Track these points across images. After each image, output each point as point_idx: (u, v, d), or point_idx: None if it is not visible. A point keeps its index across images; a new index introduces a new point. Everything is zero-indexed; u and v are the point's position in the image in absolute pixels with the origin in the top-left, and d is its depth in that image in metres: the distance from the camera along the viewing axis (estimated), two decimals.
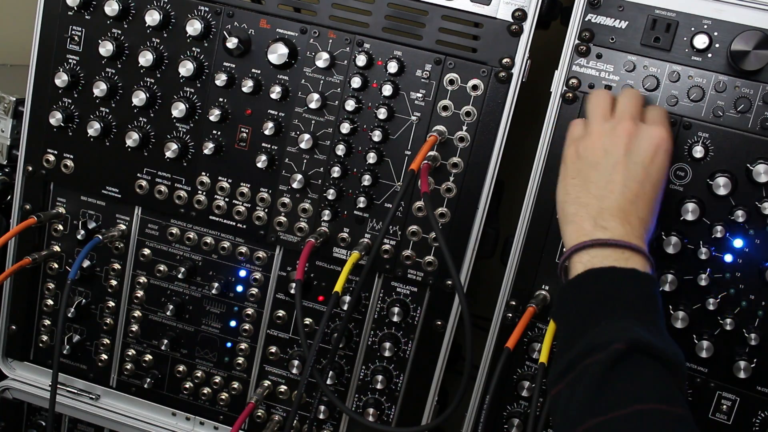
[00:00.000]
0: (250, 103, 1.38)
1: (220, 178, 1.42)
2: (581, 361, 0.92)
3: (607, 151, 1.07)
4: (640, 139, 1.07)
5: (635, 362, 0.90)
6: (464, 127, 1.31)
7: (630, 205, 1.04)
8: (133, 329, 1.55)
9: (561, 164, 1.14)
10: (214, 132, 1.41)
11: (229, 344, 1.52)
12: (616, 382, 0.88)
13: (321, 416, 1.49)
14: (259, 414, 1.53)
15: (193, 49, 1.38)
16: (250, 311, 1.49)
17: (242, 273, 1.48)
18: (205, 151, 1.39)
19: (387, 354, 1.42)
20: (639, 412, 0.86)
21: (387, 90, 1.31)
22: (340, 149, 1.34)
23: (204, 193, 1.43)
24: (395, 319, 1.39)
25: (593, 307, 0.98)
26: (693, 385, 1.28)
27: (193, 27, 1.35)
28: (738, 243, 1.21)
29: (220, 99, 1.39)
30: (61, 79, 1.40)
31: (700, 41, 1.19)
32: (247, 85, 1.35)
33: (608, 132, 1.09)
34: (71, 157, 1.47)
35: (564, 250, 1.07)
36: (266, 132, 1.36)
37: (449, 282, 1.37)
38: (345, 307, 1.40)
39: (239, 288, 1.49)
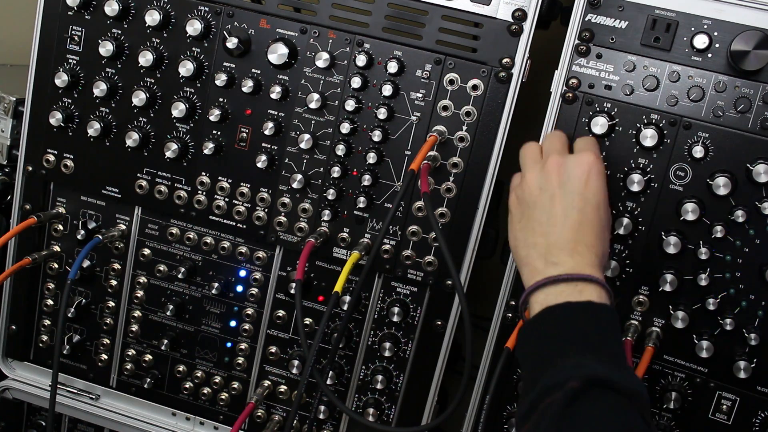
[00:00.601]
0: (250, 103, 1.38)
1: (220, 178, 1.42)
2: (541, 401, 0.92)
3: (542, 189, 1.10)
4: (569, 168, 1.09)
5: (592, 398, 0.90)
6: (464, 127, 1.31)
7: (575, 234, 1.05)
8: (133, 329, 1.55)
9: (509, 213, 1.17)
10: (214, 132, 1.41)
11: (229, 344, 1.52)
12: (575, 420, 0.89)
13: (321, 416, 1.49)
14: (259, 414, 1.53)
15: (193, 49, 1.38)
16: (250, 311, 1.49)
17: (242, 273, 1.48)
18: (205, 151, 1.39)
19: (387, 354, 1.42)
20: None
21: (387, 90, 1.31)
22: (340, 149, 1.34)
23: (204, 193, 1.43)
24: (395, 319, 1.39)
25: (550, 345, 0.99)
26: (693, 385, 1.29)
27: (193, 27, 1.35)
28: (738, 243, 1.21)
29: (220, 99, 1.39)
30: (61, 79, 1.40)
31: (700, 41, 1.19)
32: (247, 85, 1.35)
33: (539, 171, 1.12)
34: (71, 157, 1.47)
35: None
36: (266, 132, 1.36)
37: (449, 282, 1.37)
38: (345, 307, 1.40)
39: (239, 288, 1.49)
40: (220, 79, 1.35)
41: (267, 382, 1.52)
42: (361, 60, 1.31)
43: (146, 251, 1.51)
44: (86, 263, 1.52)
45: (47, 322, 1.58)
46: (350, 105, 1.32)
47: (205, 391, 1.54)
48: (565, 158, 1.11)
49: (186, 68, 1.36)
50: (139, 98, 1.39)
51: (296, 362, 1.46)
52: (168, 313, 1.49)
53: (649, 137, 1.21)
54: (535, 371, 0.98)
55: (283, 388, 1.51)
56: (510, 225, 1.16)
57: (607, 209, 1.11)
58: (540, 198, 1.10)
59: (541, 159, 1.15)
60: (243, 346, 1.51)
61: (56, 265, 1.55)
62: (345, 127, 1.34)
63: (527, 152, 1.17)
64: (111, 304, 1.55)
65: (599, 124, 1.23)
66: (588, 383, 0.90)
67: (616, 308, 1.03)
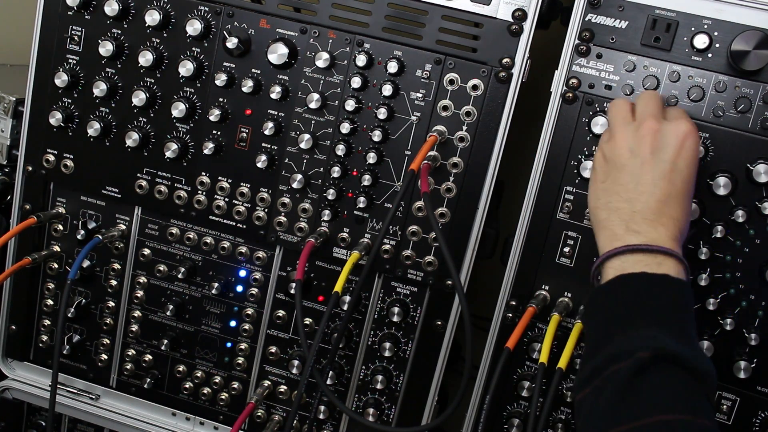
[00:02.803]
0: (250, 103, 1.38)
1: (220, 178, 1.42)
2: (606, 368, 0.91)
3: (632, 152, 1.06)
4: (664, 135, 1.05)
5: (660, 371, 0.88)
6: (464, 127, 1.31)
7: (662, 205, 1.02)
8: (133, 329, 1.55)
9: (591, 170, 1.14)
10: (214, 132, 1.40)
11: (229, 344, 1.52)
12: (640, 391, 0.87)
13: (321, 416, 1.49)
14: (259, 414, 1.53)
15: (193, 49, 1.38)
16: (250, 311, 1.49)
17: (242, 273, 1.48)
18: (205, 151, 1.39)
19: (387, 354, 1.42)
20: (662, 422, 0.85)
21: (387, 90, 1.31)
22: (340, 149, 1.34)
23: (204, 193, 1.43)
24: (395, 319, 1.39)
25: (621, 313, 0.97)
26: None
27: (193, 27, 1.35)
28: (738, 243, 1.21)
29: (220, 99, 1.39)
30: (61, 79, 1.40)
31: (700, 41, 1.19)
32: (247, 85, 1.35)
33: (632, 133, 1.07)
34: (71, 157, 1.47)
35: (598, 255, 1.06)
36: (266, 132, 1.36)
37: (449, 282, 1.37)
38: (345, 307, 1.40)
39: (239, 288, 1.49)
40: (220, 79, 1.35)
41: (267, 382, 1.52)
42: (361, 60, 1.31)
43: (146, 251, 1.51)
44: (86, 263, 1.52)
45: (47, 322, 1.58)
46: (350, 105, 1.32)
47: (205, 391, 1.54)
48: (661, 124, 1.06)
49: (186, 68, 1.36)
50: (139, 98, 1.39)
51: (296, 362, 1.46)
52: (168, 313, 1.49)
53: None
54: (601, 337, 0.96)
55: (283, 388, 1.51)
56: (592, 183, 1.12)
57: (695, 184, 1.07)
58: (630, 161, 1.05)
59: (632, 119, 1.10)
60: (243, 346, 1.51)
61: (56, 265, 1.55)
62: (345, 127, 1.34)
63: (617, 110, 1.12)
64: (111, 304, 1.55)
65: (599, 124, 1.23)
66: (658, 356, 0.88)
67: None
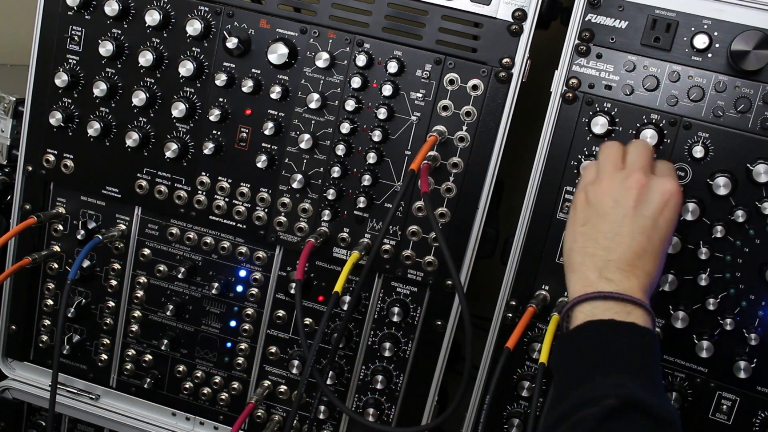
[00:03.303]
0: (250, 103, 1.38)
1: (220, 178, 1.42)
2: (574, 413, 0.91)
3: (617, 202, 1.06)
4: (650, 191, 1.06)
5: (627, 419, 0.89)
6: (464, 127, 1.31)
7: (637, 258, 1.03)
8: (133, 329, 1.55)
9: (571, 208, 1.14)
10: (214, 132, 1.41)
11: (229, 344, 1.52)
12: None
13: (321, 416, 1.49)
14: (259, 414, 1.53)
15: (193, 49, 1.38)
16: (250, 311, 1.49)
17: (242, 273, 1.48)
18: (205, 151, 1.39)
19: (387, 354, 1.42)
20: None
21: (387, 90, 1.31)
22: (340, 149, 1.34)
23: (204, 193, 1.43)
24: (395, 319, 1.39)
25: (590, 359, 0.98)
26: (693, 385, 1.29)
27: (193, 27, 1.35)
28: (738, 243, 1.21)
29: (220, 99, 1.39)
30: (61, 79, 1.40)
31: (700, 41, 1.19)
32: (247, 85, 1.35)
33: (619, 182, 1.08)
34: (71, 157, 1.47)
35: (567, 298, 1.07)
36: (266, 132, 1.36)
37: (449, 282, 1.37)
38: (345, 307, 1.40)
39: (239, 288, 1.49)
40: (220, 79, 1.35)
41: (267, 382, 1.52)
42: (361, 60, 1.31)
43: (146, 251, 1.51)
44: (86, 263, 1.52)
45: (47, 322, 1.58)
46: (350, 105, 1.32)
47: (205, 391, 1.54)
48: (649, 180, 1.07)
49: (186, 68, 1.36)
50: (139, 98, 1.39)
51: (296, 362, 1.46)
52: (168, 313, 1.49)
53: (649, 137, 1.21)
54: (570, 382, 0.97)
55: (283, 388, 1.51)
56: (570, 224, 1.12)
57: (669, 243, 1.08)
58: (613, 211, 1.06)
59: (622, 166, 1.10)
60: (243, 346, 1.51)
61: (56, 265, 1.55)
62: (345, 127, 1.34)
63: (608, 155, 1.13)
64: (111, 304, 1.55)
65: (599, 124, 1.23)
66: (626, 404, 0.89)
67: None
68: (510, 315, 1.33)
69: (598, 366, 0.96)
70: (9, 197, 1.60)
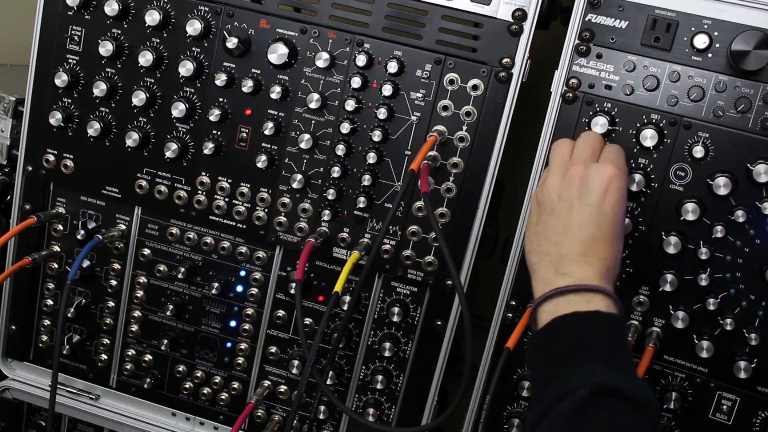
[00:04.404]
0: (250, 103, 1.38)
1: (220, 178, 1.42)
2: (551, 409, 0.92)
3: (560, 197, 1.10)
4: (590, 180, 1.08)
5: (601, 406, 0.90)
6: (464, 127, 1.31)
7: (588, 247, 1.05)
8: (133, 329, 1.55)
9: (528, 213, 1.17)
10: (214, 132, 1.40)
11: (229, 344, 1.52)
12: (585, 428, 0.89)
13: (321, 416, 1.49)
14: (259, 414, 1.53)
15: (193, 49, 1.38)
16: (250, 311, 1.49)
17: (242, 273, 1.48)
18: (205, 151, 1.39)
19: (387, 354, 1.42)
20: None
21: (387, 90, 1.31)
22: (340, 149, 1.34)
23: (204, 193, 1.43)
24: (395, 319, 1.39)
25: (560, 354, 0.99)
26: (693, 385, 1.29)
27: (193, 27, 1.35)
28: (738, 243, 1.21)
29: (220, 99, 1.39)
30: (61, 79, 1.40)
31: (701, 41, 1.19)
32: (247, 85, 1.35)
33: (560, 177, 1.11)
34: (71, 157, 1.47)
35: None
36: (266, 132, 1.36)
37: (449, 282, 1.37)
38: (345, 307, 1.40)
39: (239, 288, 1.49)
40: (220, 79, 1.35)
41: (267, 382, 1.52)
42: (361, 60, 1.31)
43: (146, 251, 1.51)
44: (86, 263, 1.52)
45: (47, 322, 1.58)
46: (350, 105, 1.32)
47: (205, 391, 1.54)
48: (588, 169, 1.09)
49: (186, 68, 1.36)
50: (139, 98, 1.39)
51: (296, 362, 1.46)
52: (168, 313, 1.49)
53: (649, 137, 1.21)
54: (545, 380, 0.98)
55: (283, 388, 1.51)
56: (527, 226, 1.15)
57: (624, 224, 1.10)
58: (558, 206, 1.09)
59: (568, 162, 1.13)
60: (243, 346, 1.51)
61: (56, 265, 1.55)
62: (345, 127, 1.34)
63: (557, 152, 1.16)
64: (111, 304, 1.55)
65: (599, 124, 1.23)
66: (597, 391, 0.90)
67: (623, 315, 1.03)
68: (510, 315, 1.33)
69: (567, 359, 0.97)
70: (9, 197, 1.60)
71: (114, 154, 1.45)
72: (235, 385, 1.53)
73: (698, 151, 1.20)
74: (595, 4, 1.23)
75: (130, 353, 1.56)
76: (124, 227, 1.50)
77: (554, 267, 1.06)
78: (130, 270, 1.53)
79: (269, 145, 1.39)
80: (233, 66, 1.37)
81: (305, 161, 1.38)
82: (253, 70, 1.37)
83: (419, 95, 1.32)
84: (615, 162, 1.11)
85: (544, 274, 1.07)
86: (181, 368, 1.55)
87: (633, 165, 1.24)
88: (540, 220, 1.12)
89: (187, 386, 1.55)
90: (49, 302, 1.57)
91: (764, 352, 1.23)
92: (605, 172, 1.08)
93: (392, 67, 1.30)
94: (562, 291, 1.02)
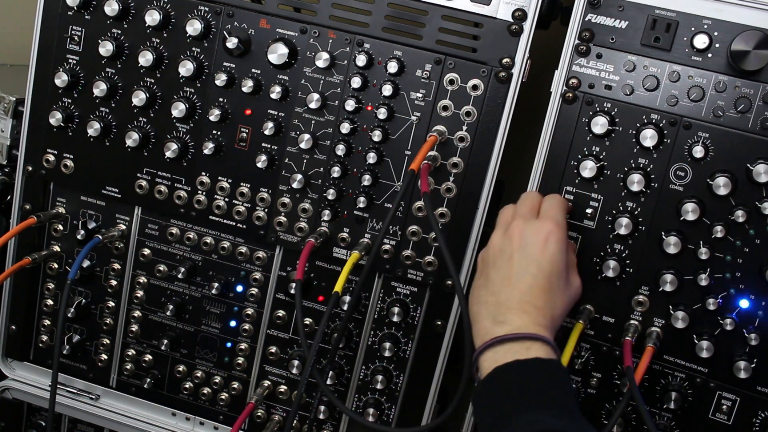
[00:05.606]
0: (250, 103, 1.38)
1: (220, 178, 1.42)
2: None
3: (502, 250, 1.13)
4: (529, 234, 1.12)
5: None
6: (464, 127, 1.31)
7: (524, 295, 1.07)
8: (133, 329, 1.55)
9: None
10: (214, 132, 1.41)
11: (229, 344, 1.52)
12: None
13: (321, 416, 1.49)
14: (259, 414, 1.53)
15: (193, 49, 1.38)
16: (250, 311, 1.49)
17: (242, 273, 1.48)
18: (205, 151, 1.39)
19: (387, 354, 1.42)
20: None
21: (387, 90, 1.31)
22: (340, 149, 1.34)
23: (204, 193, 1.43)
24: (395, 319, 1.39)
25: (504, 403, 1.00)
26: (693, 385, 1.29)
27: (193, 27, 1.35)
28: (738, 243, 1.21)
29: (220, 99, 1.39)
30: (61, 79, 1.40)
31: (700, 41, 1.19)
32: (247, 85, 1.35)
33: (502, 234, 1.15)
34: (71, 157, 1.47)
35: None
36: (266, 132, 1.36)
37: (449, 282, 1.37)
38: (345, 307, 1.40)
39: (239, 288, 1.49)
40: (220, 79, 1.35)
41: (267, 382, 1.52)
42: (361, 60, 1.31)
43: (146, 251, 1.51)
44: (86, 263, 1.52)
45: (47, 322, 1.58)
46: (350, 105, 1.32)
47: (205, 391, 1.54)
48: (527, 224, 1.13)
49: (186, 68, 1.36)
50: (139, 98, 1.39)
51: (296, 362, 1.46)
52: (168, 313, 1.49)
53: (649, 137, 1.21)
54: (492, 430, 0.99)
55: (283, 388, 1.51)
56: (473, 283, 1.18)
57: (564, 276, 1.12)
58: (499, 258, 1.13)
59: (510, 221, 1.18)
60: (243, 346, 1.51)
61: (56, 265, 1.55)
62: (345, 127, 1.34)
63: (501, 215, 1.20)
64: (111, 304, 1.55)
65: (599, 124, 1.23)
66: None
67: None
68: None
69: (511, 408, 0.98)
70: (9, 197, 1.59)
71: (114, 154, 1.45)
72: (235, 385, 1.53)
73: (698, 151, 1.20)
74: (595, 4, 1.23)
75: (130, 353, 1.56)
76: (124, 227, 1.50)
77: (492, 316, 1.08)
78: (130, 270, 1.53)
79: (269, 145, 1.39)
80: (233, 66, 1.37)
81: (305, 161, 1.38)
82: (253, 70, 1.37)
83: (419, 95, 1.32)
84: (553, 217, 1.15)
85: (483, 323, 1.08)
86: (181, 368, 1.55)
87: (633, 165, 1.24)
88: (482, 275, 1.15)
89: (187, 386, 1.55)
90: (49, 302, 1.57)
91: (764, 352, 1.23)
92: (543, 226, 1.12)
93: (392, 67, 1.30)
94: (502, 339, 1.04)
